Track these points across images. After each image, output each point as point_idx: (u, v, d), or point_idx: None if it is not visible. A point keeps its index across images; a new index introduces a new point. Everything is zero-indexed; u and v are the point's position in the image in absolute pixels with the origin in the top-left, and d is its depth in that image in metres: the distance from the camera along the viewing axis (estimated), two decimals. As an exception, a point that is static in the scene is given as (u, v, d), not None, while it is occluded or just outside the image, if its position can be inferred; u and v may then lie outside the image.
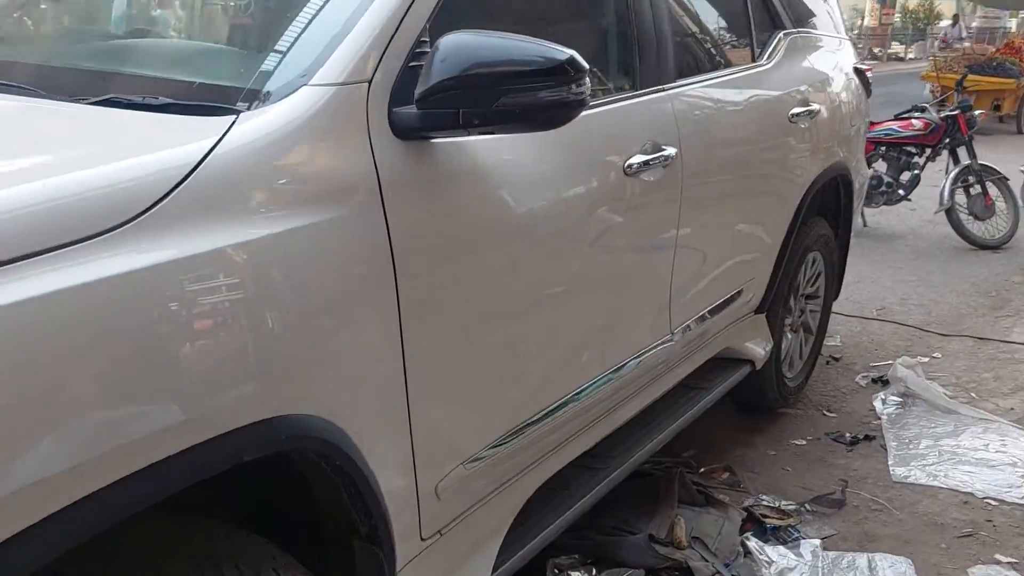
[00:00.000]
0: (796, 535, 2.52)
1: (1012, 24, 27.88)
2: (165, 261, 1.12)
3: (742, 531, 2.53)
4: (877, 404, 3.48)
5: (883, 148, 6.41)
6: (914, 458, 3.02)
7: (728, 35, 2.91)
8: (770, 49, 2.94)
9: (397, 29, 1.52)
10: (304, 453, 1.36)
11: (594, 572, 2.29)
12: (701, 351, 2.72)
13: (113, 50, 1.74)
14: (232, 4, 1.69)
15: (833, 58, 3.41)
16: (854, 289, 5.07)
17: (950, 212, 6.07)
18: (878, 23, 30.43)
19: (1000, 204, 6.21)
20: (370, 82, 1.46)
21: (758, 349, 3.01)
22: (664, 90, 2.28)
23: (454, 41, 1.47)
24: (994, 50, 14.39)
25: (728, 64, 2.76)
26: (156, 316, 1.10)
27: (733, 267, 2.75)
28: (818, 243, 3.37)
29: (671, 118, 2.26)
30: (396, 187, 1.46)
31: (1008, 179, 6.23)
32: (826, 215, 3.58)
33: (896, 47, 30.15)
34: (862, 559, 2.42)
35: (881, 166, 6.50)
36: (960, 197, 6.17)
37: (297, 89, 1.41)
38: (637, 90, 2.21)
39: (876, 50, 29.70)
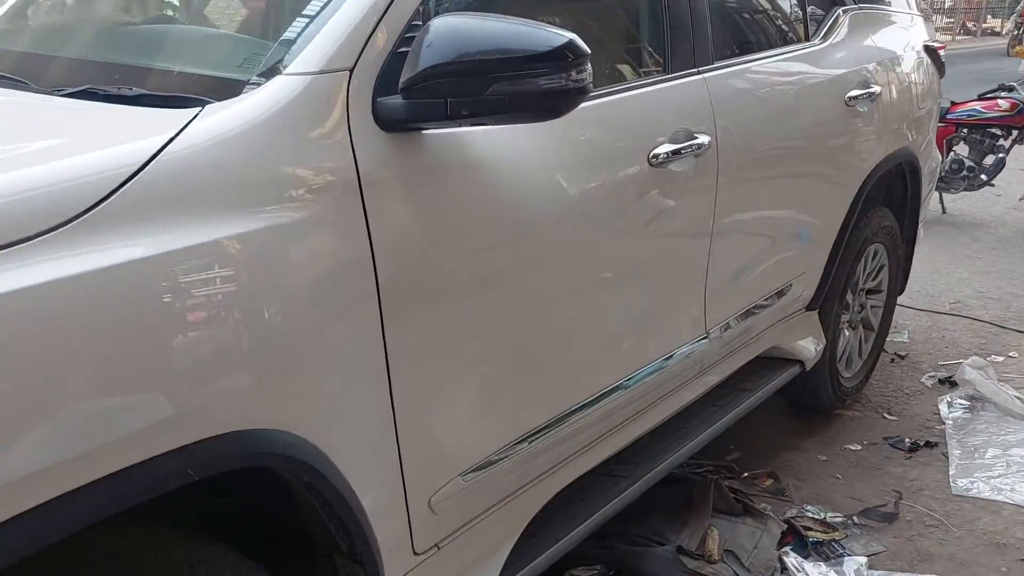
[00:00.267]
0: (840, 551, 2.35)
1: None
2: (103, 267, 1.04)
3: (781, 544, 2.37)
4: (942, 407, 3.25)
5: (965, 130, 6.03)
6: (978, 468, 2.80)
7: (777, 12, 2.72)
8: (827, 27, 2.73)
9: (385, 12, 1.41)
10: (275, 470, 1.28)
11: (616, 584, 2.17)
12: (742, 351, 2.56)
13: (93, 38, 1.68)
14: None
15: (901, 35, 3.16)
16: (928, 280, 4.78)
17: (1038, 199, 5.68)
18: (972, -5, 29.02)
19: (1094, 190, 5.79)
20: (352, 70, 1.36)
21: (808, 348, 2.83)
22: (699, 73, 2.12)
23: (442, 25, 1.36)
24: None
25: (776, 44, 2.57)
26: (93, 325, 1.03)
27: (779, 262, 2.57)
28: (880, 235, 3.15)
29: (706, 104, 2.10)
30: (379, 184, 1.36)
31: (1104, 163, 5.80)
32: (891, 204, 3.35)
33: (992, 21, 28.64)
34: (911, 581, 2.25)
35: (963, 149, 6.12)
36: (1050, 182, 5.77)
37: (270, 79, 1.32)
38: (668, 73, 2.06)
39: (970, 24, 28.29)
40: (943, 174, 5.94)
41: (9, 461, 0.96)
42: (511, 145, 1.61)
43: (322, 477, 1.29)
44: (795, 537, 2.41)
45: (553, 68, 1.35)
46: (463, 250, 1.51)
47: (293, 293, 1.24)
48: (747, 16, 2.56)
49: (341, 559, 1.42)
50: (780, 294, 2.60)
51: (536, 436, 1.77)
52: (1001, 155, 6.00)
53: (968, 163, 5.96)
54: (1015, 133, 6.00)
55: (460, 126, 1.43)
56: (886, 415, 3.26)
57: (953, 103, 6.05)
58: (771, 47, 2.51)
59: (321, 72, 1.33)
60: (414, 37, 1.38)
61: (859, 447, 3.01)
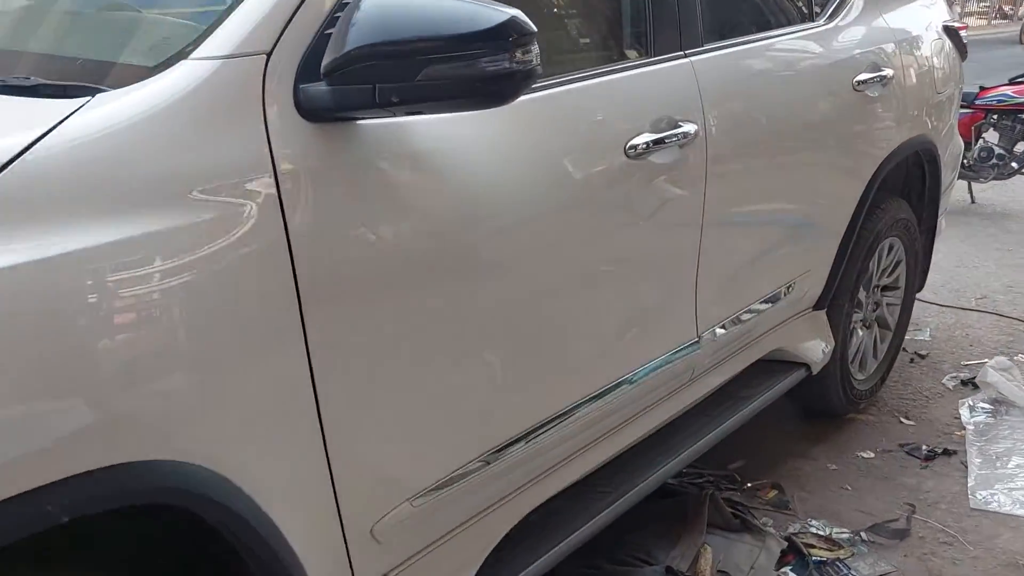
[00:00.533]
0: (845, 572, 2.18)
1: None
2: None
3: (781, 564, 2.21)
4: (963, 412, 3.05)
5: (995, 116, 5.77)
6: (1000, 479, 2.61)
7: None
8: (834, 6, 2.55)
9: (311, -11, 1.26)
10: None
11: (600, 608, 2.02)
12: (741, 355, 2.39)
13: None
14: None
15: (918, 15, 2.96)
16: (953, 274, 4.56)
17: (1072, 187, 5.42)
18: (1010, -23, 28.25)
19: None
20: (270, 54, 1.21)
21: (815, 351, 2.65)
22: (685, 56, 1.95)
23: (370, 1, 1.21)
24: None
25: (776, 24, 2.39)
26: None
27: (780, 259, 2.39)
28: (896, 228, 2.95)
29: (693, 89, 1.93)
30: (300, 181, 1.22)
31: None
32: (908, 195, 3.15)
33: (1029, 4, 27.90)
34: (922, 605, 2.07)
35: (992, 136, 5.86)
36: (1085, 171, 5.51)
37: (174, 65, 1.18)
38: (650, 57, 1.90)
39: (1007, 8, 27.60)
40: (971, 162, 5.70)
41: None
42: (466, 137, 1.46)
43: (235, 515, 1.15)
44: (796, 556, 2.24)
45: (493, 48, 1.19)
46: (404, 254, 1.36)
47: (194, 305, 1.10)
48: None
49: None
50: (782, 294, 2.43)
51: (500, 453, 1.62)
52: (1033, 142, 5.75)
53: (998, 151, 5.71)
54: (1048, 119, 5.74)
55: (393, 115, 1.28)
56: (903, 420, 3.07)
57: (982, 88, 5.80)
58: (770, 28, 2.34)
59: (231, 56, 1.19)
60: (343, 16, 1.24)
61: (872, 455, 2.82)
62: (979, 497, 2.52)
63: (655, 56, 1.90)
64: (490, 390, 1.60)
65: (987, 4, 27.64)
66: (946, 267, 4.67)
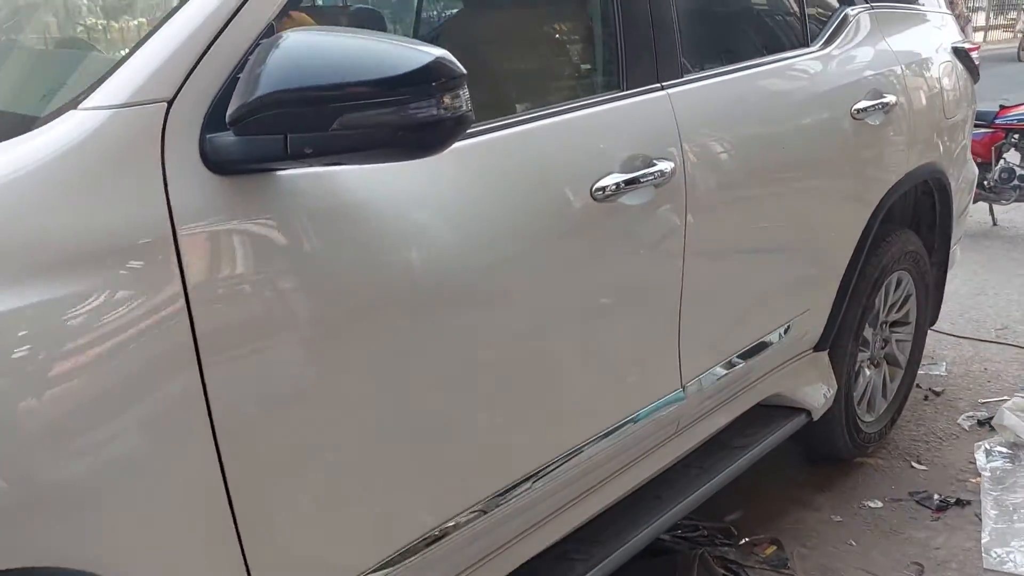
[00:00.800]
0: (844, 641, 2.01)
1: None
2: None
3: (775, 631, 2.05)
4: (979, 456, 2.87)
5: (1016, 136, 5.57)
6: (1016, 535, 2.42)
7: (767, 15, 2.40)
8: (831, 30, 2.40)
9: (222, 31, 1.15)
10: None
11: None
12: (733, 402, 2.24)
13: None
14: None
15: (924, 37, 2.81)
16: (972, 302, 4.37)
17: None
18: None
19: None
20: (171, 101, 1.10)
21: (816, 395, 2.49)
22: (662, 89, 1.82)
23: (279, 42, 1.10)
24: None
25: (766, 51, 2.25)
26: None
27: (775, 300, 2.25)
28: (904, 261, 2.79)
29: (670, 125, 1.80)
30: (202, 239, 1.10)
31: None
32: (918, 226, 3.00)
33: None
34: None
35: (1014, 156, 5.66)
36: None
37: (63, 115, 1.07)
38: (622, 90, 1.77)
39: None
40: (992, 183, 5.51)
41: None
42: (406, 185, 1.34)
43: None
44: (793, 622, 2.08)
45: (416, 94, 1.07)
46: (331, 318, 1.23)
47: (76, 386, 0.99)
48: (728, 20, 2.25)
49: None
50: (778, 336, 2.28)
51: (455, 528, 1.49)
52: (1057, 163, 5.55)
53: (1020, 171, 5.50)
54: (1072, 139, 5.54)
55: (309, 166, 1.16)
56: (914, 464, 2.89)
57: (1003, 107, 5.61)
58: (759, 55, 2.19)
59: (125, 105, 1.07)
60: (258, 60, 1.12)
61: (880, 504, 2.65)
62: (994, 556, 2.34)
63: (628, 89, 1.77)
64: (442, 456, 1.47)
65: (1013, 17, 27.15)
66: (965, 295, 4.48)
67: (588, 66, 1.86)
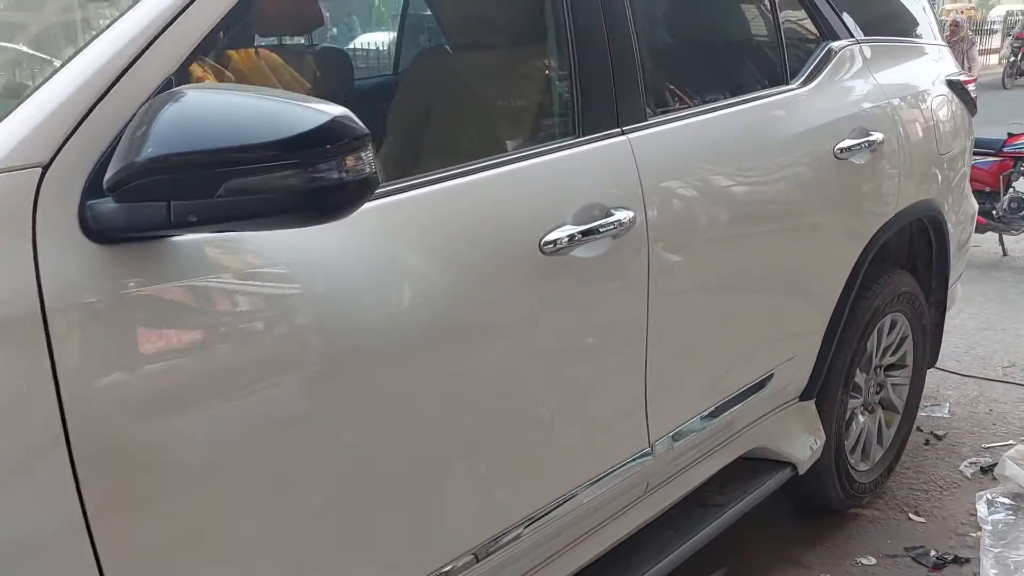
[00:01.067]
0: None
1: None
2: None
3: None
4: (980, 508, 2.72)
5: (1025, 164, 5.44)
6: (1018, 598, 2.29)
7: (742, 51, 2.30)
8: (812, 66, 2.30)
9: (109, 89, 1.07)
10: None
11: None
12: (709, 459, 2.11)
13: None
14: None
15: (915, 71, 2.71)
16: (978, 338, 4.23)
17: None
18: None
19: None
20: (46, 167, 1.01)
21: (802, 448, 2.36)
22: (623, 134, 1.72)
23: (165, 102, 1.01)
24: None
25: (740, 90, 2.15)
26: None
27: (754, 349, 2.13)
28: (898, 303, 2.67)
29: (631, 172, 1.70)
30: (78, 316, 1.00)
31: None
32: (914, 266, 2.87)
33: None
34: None
35: (1023, 185, 5.52)
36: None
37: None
38: (576, 136, 1.67)
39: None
40: (1001, 213, 5.37)
41: None
42: (327, 245, 1.25)
43: None
44: None
45: (313, 157, 0.98)
46: (227, 398, 1.14)
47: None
48: (700, 59, 2.15)
49: None
50: (758, 387, 2.16)
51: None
52: (1067, 191, 5.41)
53: (1029, 201, 5.36)
54: (1083, 167, 5.39)
55: (196, 233, 1.07)
56: (912, 516, 2.75)
57: (1011, 134, 5.48)
58: (733, 95, 2.09)
59: (-8, 171, 0.99)
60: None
61: (874, 561, 2.51)
62: (992, 621, 2.20)
63: (583, 136, 1.67)
64: (375, 536, 1.36)
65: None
66: (971, 330, 4.34)
67: (540, 112, 1.76)
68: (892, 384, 2.84)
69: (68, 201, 1.02)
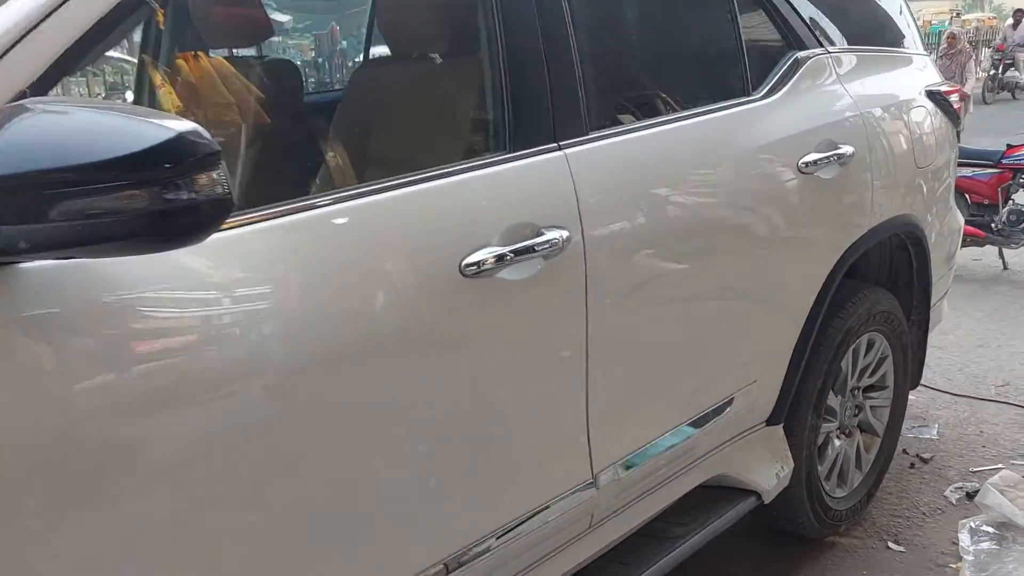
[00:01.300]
0: None
1: None
2: None
3: None
4: (963, 537, 2.60)
5: (1024, 176, 5.31)
6: (995, 636, 2.17)
7: (702, 60, 2.20)
8: (776, 76, 2.20)
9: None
10: None
11: None
12: (664, 488, 2.01)
13: None
14: None
15: (891, 82, 2.60)
16: (972, 355, 4.10)
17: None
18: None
19: None
20: None
21: (767, 475, 2.25)
22: (559, 148, 1.63)
23: (5, 120, 0.93)
24: None
25: (698, 101, 2.05)
26: None
27: (712, 373, 2.03)
28: (875, 322, 2.56)
29: (566, 189, 1.61)
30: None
31: None
32: (895, 284, 2.77)
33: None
34: None
35: (1022, 197, 5.39)
36: None
37: None
38: (509, 152, 1.58)
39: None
40: (1000, 226, 5.24)
41: None
42: (211, 270, 1.16)
43: None
44: None
45: (156, 176, 0.90)
46: (86, 444, 1.05)
47: None
48: (651, 68, 2.05)
49: None
50: (716, 412, 2.06)
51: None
52: (1068, 204, 5.27)
53: (1029, 213, 5.23)
54: (1084, 178, 5.26)
55: (33, 260, 0.99)
56: (891, 544, 2.63)
57: (1010, 146, 5.36)
58: (688, 107, 2.00)
59: None
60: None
61: (848, 594, 2.40)
62: (966, 661, 2.08)
63: (516, 151, 1.58)
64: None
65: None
66: (966, 347, 4.21)
67: (468, 125, 1.67)
68: (871, 406, 2.73)
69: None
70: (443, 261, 1.41)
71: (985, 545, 2.55)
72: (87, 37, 1.11)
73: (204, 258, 1.16)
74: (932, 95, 2.74)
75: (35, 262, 1.01)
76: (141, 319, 1.09)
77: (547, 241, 1.53)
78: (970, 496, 2.84)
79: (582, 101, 1.69)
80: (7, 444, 0.99)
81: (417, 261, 1.39)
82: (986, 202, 5.36)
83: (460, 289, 1.43)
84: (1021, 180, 5.29)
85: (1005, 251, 5.41)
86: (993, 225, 5.25)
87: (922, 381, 3.72)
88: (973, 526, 2.63)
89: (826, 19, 2.52)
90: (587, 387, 1.69)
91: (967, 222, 5.30)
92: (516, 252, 1.49)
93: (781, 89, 2.18)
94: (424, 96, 1.75)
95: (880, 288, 2.63)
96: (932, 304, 2.84)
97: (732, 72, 2.12)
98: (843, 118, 2.30)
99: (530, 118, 1.61)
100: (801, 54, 2.28)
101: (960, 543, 2.58)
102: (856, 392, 2.65)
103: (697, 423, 2.00)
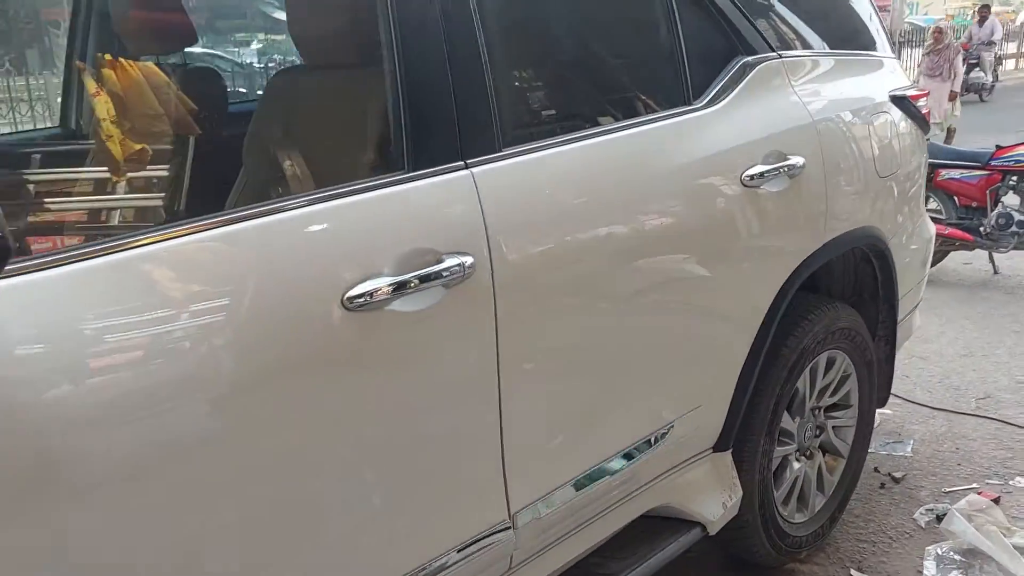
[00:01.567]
0: None
1: None
2: None
3: None
4: (928, 565, 2.49)
5: (1014, 178, 5.16)
6: (952, 676, 2.05)
7: (633, 69, 2.07)
8: (721, 83, 2.08)
9: None
10: None
11: None
12: (596, 524, 1.90)
13: None
14: None
15: (849, 87, 2.48)
16: (956, 366, 3.98)
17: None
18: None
19: None
20: None
21: (713, 505, 2.14)
22: (466, 167, 1.52)
23: None
24: None
25: (629, 112, 1.94)
26: None
27: (647, 399, 1.92)
28: (836, 339, 2.44)
29: (473, 211, 1.50)
30: None
31: None
32: (860, 298, 2.65)
33: None
34: None
35: (1012, 200, 5.25)
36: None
37: None
38: (406, 171, 1.47)
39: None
40: (989, 230, 5.11)
41: None
42: (54, 302, 1.06)
43: None
44: None
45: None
46: None
47: None
48: (576, 78, 1.93)
49: None
50: (655, 440, 1.94)
51: None
52: (1059, 207, 5.13)
53: (1018, 216, 5.08)
54: (1075, 180, 5.12)
55: None
56: (854, 572, 2.51)
57: (999, 147, 5.22)
58: (618, 119, 1.88)
59: None
60: None
61: (803, 626, 2.29)
62: None
63: (413, 170, 1.47)
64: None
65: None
66: (949, 356, 4.09)
67: (363, 142, 1.56)
68: (834, 426, 2.61)
69: None
70: (324, 293, 1.30)
71: (952, 574, 2.43)
72: None
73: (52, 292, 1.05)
74: (897, 100, 2.62)
75: None
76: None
77: (447, 268, 1.42)
78: (940, 519, 2.72)
79: (494, 114, 1.58)
80: None
81: (294, 294, 1.28)
82: (974, 205, 5.23)
83: (343, 323, 1.32)
84: (1010, 182, 5.15)
85: (995, 255, 5.28)
86: (982, 229, 5.12)
87: (901, 393, 3.64)
88: (939, 553, 2.52)
89: (783, 23, 2.41)
90: (501, 422, 1.58)
91: (955, 225, 5.19)
92: (410, 282, 1.38)
93: (725, 97, 2.06)
94: (319, 110, 1.65)
95: (841, 303, 2.51)
96: (900, 319, 2.72)
97: (670, 80, 2.00)
98: (794, 127, 2.18)
99: (432, 133, 1.50)
100: (750, 59, 2.16)
101: (925, 571, 2.46)
102: (817, 412, 2.54)
103: (631, 454, 1.88)
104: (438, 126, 1.50)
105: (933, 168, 5.29)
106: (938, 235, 5.09)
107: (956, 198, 5.29)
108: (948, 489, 2.93)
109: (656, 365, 1.91)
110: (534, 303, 1.60)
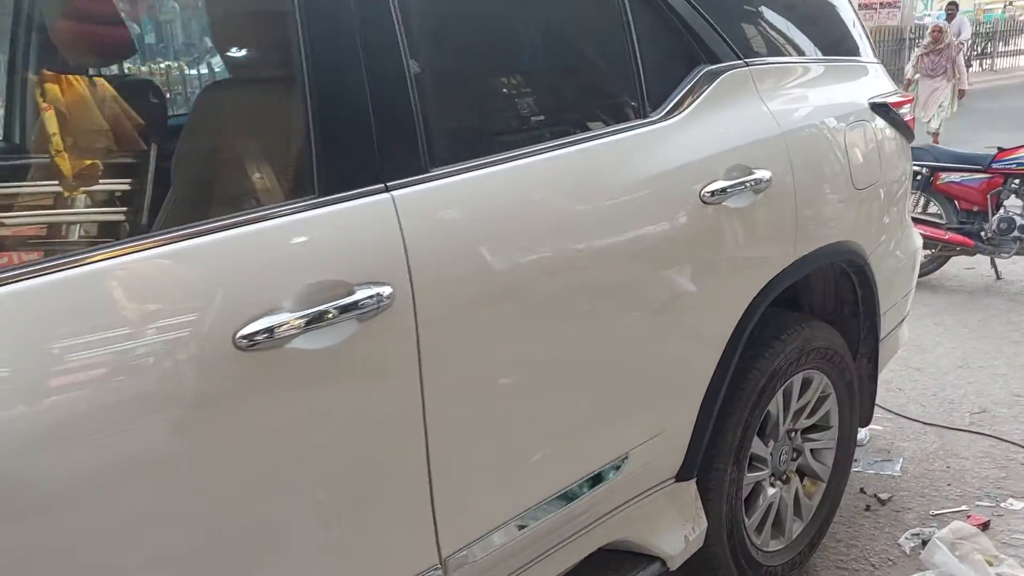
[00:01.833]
0: None
1: None
2: None
3: None
4: (909, 596, 2.37)
5: (1016, 181, 5.01)
6: None
7: (582, 80, 1.96)
8: (680, 94, 1.97)
9: None
10: None
11: None
12: (543, 563, 1.79)
13: None
14: None
15: (825, 95, 2.36)
16: (951, 378, 3.84)
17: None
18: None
19: None
20: None
21: (674, 538, 2.02)
22: (386, 190, 1.42)
23: None
24: None
25: (576, 127, 1.83)
26: None
27: (597, 429, 1.81)
28: (811, 359, 2.33)
29: (392, 237, 1.40)
30: None
31: None
32: (840, 315, 2.53)
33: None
34: None
35: (1014, 204, 5.10)
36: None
37: None
38: (316, 196, 1.37)
39: None
40: (990, 235, 4.97)
41: None
42: None
43: None
44: None
45: None
46: None
47: None
48: (517, 91, 1.82)
49: None
50: (607, 472, 1.83)
51: None
52: (1063, 210, 4.98)
53: (1020, 221, 4.94)
54: (1079, 183, 4.96)
55: None
56: (832, 603, 2.40)
57: (1000, 149, 5.07)
58: (564, 134, 1.76)
59: None
60: None
61: (774, 663, 2.17)
62: None
63: (324, 194, 1.37)
64: None
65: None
66: (944, 367, 3.96)
67: (268, 164, 1.45)
68: (812, 449, 2.49)
69: None
70: (214, 334, 1.20)
71: (934, 605, 2.31)
72: None
73: None
74: (878, 108, 2.49)
75: None
76: None
77: (358, 301, 1.32)
78: (926, 544, 2.60)
79: (420, 132, 1.48)
80: None
81: (187, 334, 1.18)
82: (975, 209, 5.08)
83: (237, 365, 1.22)
84: (1012, 186, 5.00)
85: (998, 260, 5.13)
86: (983, 233, 4.98)
87: (893, 408, 3.52)
88: (922, 583, 2.40)
89: (754, 29, 2.29)
90: (429, 462, 1.48)
91: (955, 230, 5.05)
92: (315, 317, 1.28)
93: (685, 109, 1.95)
94: (233, 127, 1.55)
95: (817, 321, 2.39)
96: (883, 336, 2.60)
97: (623, 91, 1.89)
98: (760, 139, 2.06)
99: (346, 154, 1.39)
100: (714, 68, 2.05)
101: (905, 603, 2.35)
102: (793, 435, 2.42)
103: (581, 488, 1.78)
104: (353, 146, 1.40)
105: (933, 171, 5.15)
106: (938, 240, 4.99)
107: (957, 202, 5.15)
108: (936, 512, 2.81)
109: (608, 393, 1.80)
110: (463, 333, 1.49)
